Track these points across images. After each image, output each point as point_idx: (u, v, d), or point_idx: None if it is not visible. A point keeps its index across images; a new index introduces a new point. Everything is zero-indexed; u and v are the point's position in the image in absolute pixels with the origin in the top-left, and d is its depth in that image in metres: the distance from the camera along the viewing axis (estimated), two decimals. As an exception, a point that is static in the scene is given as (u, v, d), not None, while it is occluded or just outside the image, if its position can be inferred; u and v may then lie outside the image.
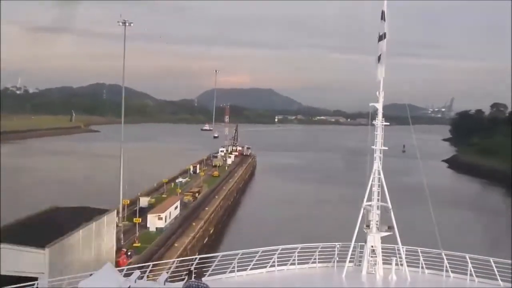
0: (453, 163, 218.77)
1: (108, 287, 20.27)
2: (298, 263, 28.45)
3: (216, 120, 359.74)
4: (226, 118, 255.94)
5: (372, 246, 27.01)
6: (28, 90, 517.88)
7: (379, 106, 27.43)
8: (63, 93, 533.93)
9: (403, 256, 27.02)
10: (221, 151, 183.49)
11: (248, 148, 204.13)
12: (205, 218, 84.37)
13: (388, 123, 28.03)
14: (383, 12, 27.01)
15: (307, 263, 28.69)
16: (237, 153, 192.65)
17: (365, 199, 27.08)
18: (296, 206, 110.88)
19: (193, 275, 21.25)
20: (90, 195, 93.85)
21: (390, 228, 27.18)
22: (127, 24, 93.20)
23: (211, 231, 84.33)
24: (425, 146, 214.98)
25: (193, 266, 25.73)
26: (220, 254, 26.81)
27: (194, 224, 79.31)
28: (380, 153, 27.32)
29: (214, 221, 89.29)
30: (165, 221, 75.59)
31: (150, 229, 73.32)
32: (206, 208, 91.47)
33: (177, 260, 25.56)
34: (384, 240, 27.32)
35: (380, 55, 27.12)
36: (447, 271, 27.46)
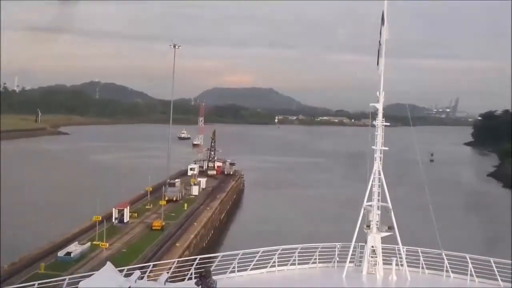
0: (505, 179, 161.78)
1: (108, 287, 20.29)
2: (299, 263, 28.45)
3: (209, 121, 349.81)
4: (201, 121, 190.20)
5: (372, 246, 27.02)
6: (7, 88, 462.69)
7: (379, 106, 27.45)
8: (49, 92, 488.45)
9: (404, 256, 27.02)
10: (191, 169, 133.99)
11: (231, 164, 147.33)
12: None
13: (388, 123, 28.04)
14: (383, 12, 27.08)
15: (308, 263, 28.70)
16: (215, 172, 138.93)
17: (365, 199, 27.09)
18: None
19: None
20: None
21: (390, 228, 27.19)
22: (176, 47, 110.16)
23: None
24: (450, 153, 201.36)
25: (193, 266, 25.77)
26: (221, 254, 26.83)
27: None
28: (381, 153, 27.33)
29: None
30: None
31: None
32: None
33: (178, 261, 25.53)
34: (384, 240, 27.32)
35: (379, 54, 27.18)
36: (447, 271, 27.45)
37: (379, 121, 27.40)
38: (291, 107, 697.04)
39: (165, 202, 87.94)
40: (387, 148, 27.38)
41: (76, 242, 66.12)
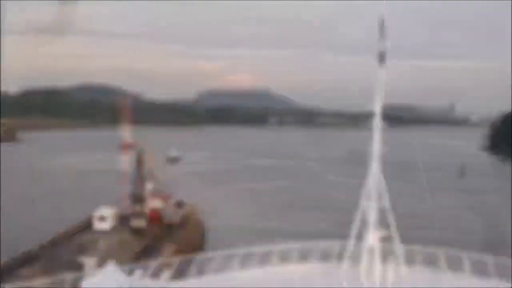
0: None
1: (110, 287, 20.45)
2: (298, 263, 28.62)
3: (206, 123, 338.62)
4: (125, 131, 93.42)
5: (372, 246, 27.20)
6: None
7: (378, 106, 27.64)
8: (29, 93, 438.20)
9: (402, 255, 27.21)
10: (101, 219, 76.94)
11: (179, 204, 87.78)
12: None
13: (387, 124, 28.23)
14: (383, 12, 27.28)
15: (307, 262, 28.87)
16: (144, 222, 77.84)
17: (365, 199, 27.27)
18: None
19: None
20: None
21: (389, 228, 27.38)
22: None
23: None
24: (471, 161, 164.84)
25: (194, 265, 25.91)
26: (221, 253, 26.95)
27: None
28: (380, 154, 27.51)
29: None
30: None
31: None
32: None
33: (178, 259, 25.66)
34: (384, 240, 27.49)
35: (380, 54, 27.37)
36: (446, 270, 27.66)
37: (377, 122, 27.60)
38: (289, 108, 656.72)
39: None
40: (386, 148, 27.57)
41: None
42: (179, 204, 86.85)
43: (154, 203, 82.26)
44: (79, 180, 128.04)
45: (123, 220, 78.85)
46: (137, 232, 74.82)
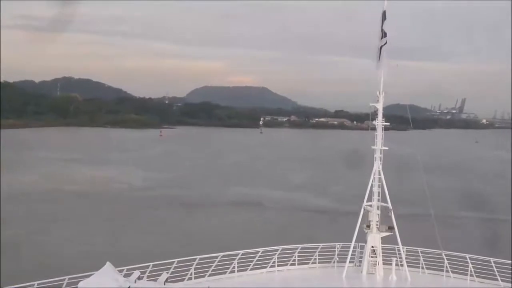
0: None
1: (108, 287, 20.27)
2: (298, 264, 28.45)
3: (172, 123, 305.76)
4: None
5: (372, 247, 27.01)
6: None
7: (379, 106, 27.47)
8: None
9: (403, 256, 27.02)
10: None
11: None
12: None
13: (388, 123, 28.06)
14: (384, 12, 27.12)
15: (307, 263, 28.70)
16: None
17: (365, 199, 27.09)
18: None
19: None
20: None
21: (391, 228, 27.19)
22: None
23: None
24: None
25: (193, 266, 25.74)
26: (221, 254, 26.78)
27: None
28: (380, 153, 27.33)
29: None
30: None
31: None
32: None
33: (177, 261, 25.49)
34: (384, 240, 27.32)
35: (380, 54, 27.21)
36: (447, 271, 27.46)
37: (379, 121, 27.42)
38: (285, 107, 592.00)
39: None
40: (387, 148, 27.40)
41: None
42: None
43: None
44: None
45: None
46: None
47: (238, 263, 26.72)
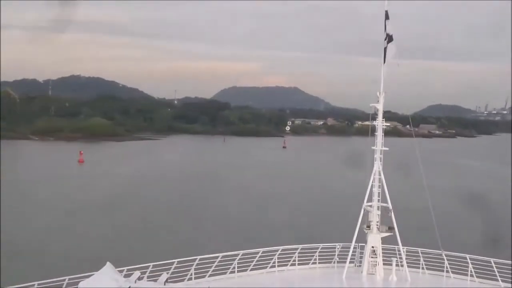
0: None
1: (108, 287, 20.29)
2: (299, 264, 28.47)
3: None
4: None
5: (372, 247, 27.02)
6: None
7: (380, 106, 27.46)
8: None
9: (404, 256, 27.02)
10: None
11: None
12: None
13: (388, 124, 28.04)
14: (386, 12, 27.11)
15: (308, 263, 28.72)
16: None
17: (365, 200, 27.09)
18: None
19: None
20: None
21: (391, 228, 27.20)
22: None
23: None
24: None
25: (193, 267, 25.75)
26: (221, 254, 26.81)
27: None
28: (381, 154, 27.34)
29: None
30: None
31: None
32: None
33: (177, 261, 25.52)
34: (384, 240, 27.32)
35: (385, 54, 27.22)
36: (447, 271, 27.48)
37: (379, 121, 27.41)
38: (317, 108, 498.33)
39: None
40: (387, 149, 27.40)
41: None
42: None
43: None
44: None
45: None
46: None
47: (238, 263, 26.75)
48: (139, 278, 21.97)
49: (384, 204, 27.15)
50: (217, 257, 26.81)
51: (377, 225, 27.16)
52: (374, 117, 27.61)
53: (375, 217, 27.09)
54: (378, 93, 27.49)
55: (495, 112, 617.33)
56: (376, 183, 27.00)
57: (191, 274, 25.55)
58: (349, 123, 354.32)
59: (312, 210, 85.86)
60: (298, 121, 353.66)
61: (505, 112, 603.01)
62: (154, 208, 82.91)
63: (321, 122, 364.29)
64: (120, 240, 63.02)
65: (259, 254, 27.35)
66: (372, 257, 27.01)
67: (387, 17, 27.17)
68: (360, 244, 27.71)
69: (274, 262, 27.71)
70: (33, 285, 23.87)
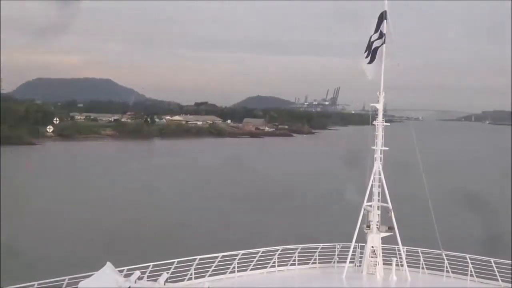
0: None
1: (108, 287, 20.26)
2: (298, 264, 28.46)
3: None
4: None
5: (372, 247, 27.01)
6: None
7: (380, 106, 27.44)
8: None
9: (404, 256, 27.01)
10: None
11: None
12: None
13: (388, 123, 28.01)
14: (385, 12, 27.08)
15: (307, 263, 28.71)
16: None
17: (365, 200, 27.08)
18: None
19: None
20: None
21: (391, 228, 27.19)
22: None
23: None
24: None
25: (193, 267, 25.73)
26: (221, 254, 26.78)
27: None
28: (381, 154, 27.32)
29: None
30: None
31: None
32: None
33: (177, 261, 25.49)
34: (384, 240, 27.31)
35: (374, 53, 27.17)
36: (447, 271, 27.46)
37: (379, 121, 27.40)
38: (129, 101, 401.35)
39: None
40: (387, 148, 27.38)
41: None
42: None
43: None
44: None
45: None
46: None
47: (238, 263, 26.72)
48: (139, 278, 21.93)
49: (384, 204, 27.15)
50: (217, 257, 26.81)
51: (377, 225, 27.16)
52: (374, 117, 27.60)
53: (375, 217, 27.08)
54: (378, 93, 27.47)
55: (315, 103, 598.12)
56: (376, 183, 26.99)
57: (191, 274, 25.53)
58: (148, 119, 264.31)
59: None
60: (81, 117, 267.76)
61: (326, 103, 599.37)
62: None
63: (113, 119, 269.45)
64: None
65: (259, 254, 27.34)
66: (372, 257, 27.00)
67: (384, 17, 27.13)
68: (360, 244, 27.70)
69: (274, 262, 27.69)
70: (33, 285, 23.85)
